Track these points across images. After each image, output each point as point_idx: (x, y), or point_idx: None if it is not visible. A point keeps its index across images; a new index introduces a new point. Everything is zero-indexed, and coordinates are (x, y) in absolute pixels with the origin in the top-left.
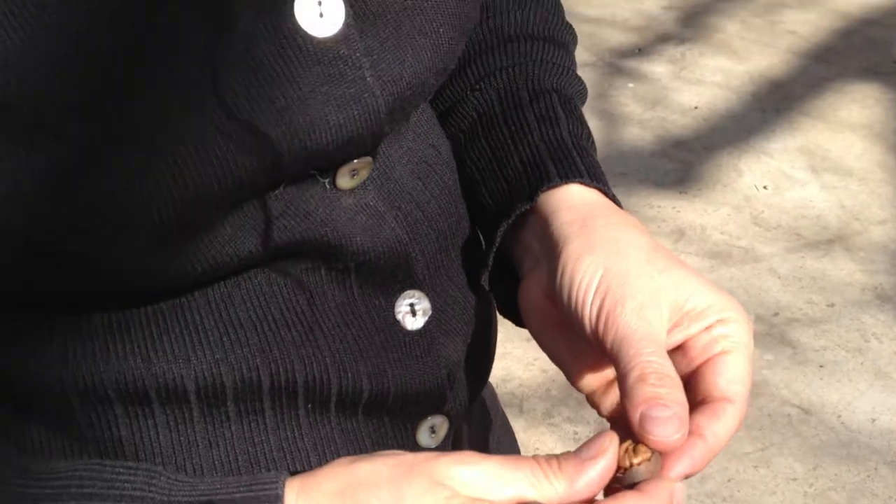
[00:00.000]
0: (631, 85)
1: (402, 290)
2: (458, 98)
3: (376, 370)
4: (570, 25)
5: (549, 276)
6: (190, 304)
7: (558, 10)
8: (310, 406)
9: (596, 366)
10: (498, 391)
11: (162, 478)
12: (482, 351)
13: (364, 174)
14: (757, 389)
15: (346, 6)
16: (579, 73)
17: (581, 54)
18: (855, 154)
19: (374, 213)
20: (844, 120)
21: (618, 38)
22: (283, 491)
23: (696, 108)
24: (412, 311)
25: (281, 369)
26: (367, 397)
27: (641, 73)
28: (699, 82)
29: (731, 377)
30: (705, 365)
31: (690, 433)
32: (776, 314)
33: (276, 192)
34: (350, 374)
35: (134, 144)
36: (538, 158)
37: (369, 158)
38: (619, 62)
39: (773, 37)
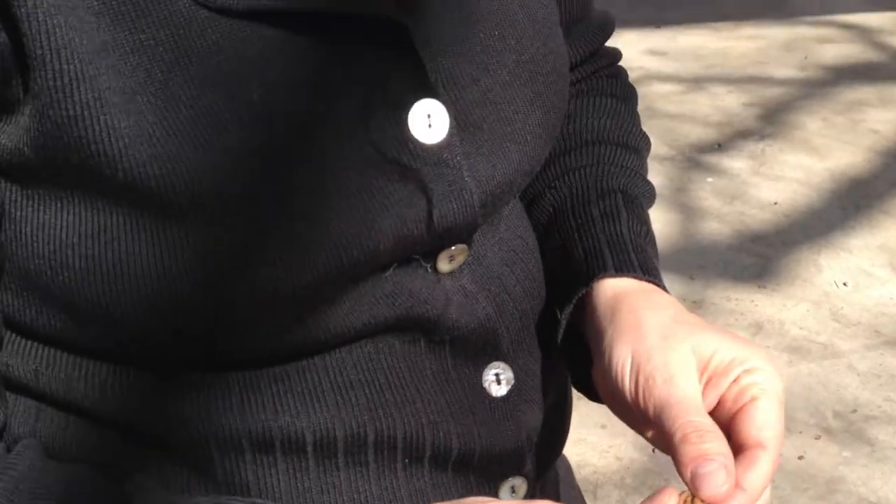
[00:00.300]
0: (710, 179)
1: (489, 361)
2: (539, 193)
3: (464, 431)
4: (644, 134)
5: (596, 361)
6: (310, 367)
7: (634, 119)
8: (407, 460)
9: (643, 427)
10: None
11: None
12: (558, 419)
13: (460, 259)
14: (834, 486)
15: (450, 118)
16: (658, 166)
17: (660, 149)
18: None
19: (468, 294)
20: None
21: (697, 133)
22: None
23: (775, 203)
24: (497, 380)
25: (384, 426)
26: (456, 455)
27: (721, 169)
28: (779, 178)
29: (761, 423)
30: (738, 414)
31: (736, 490)
32: (854, 411)
33: (387, 273)
34: (442, 434)
35: (286, 230)
36: (598, 250)
37: (465, 246)
38: (699, 157)
39: (854, 135)
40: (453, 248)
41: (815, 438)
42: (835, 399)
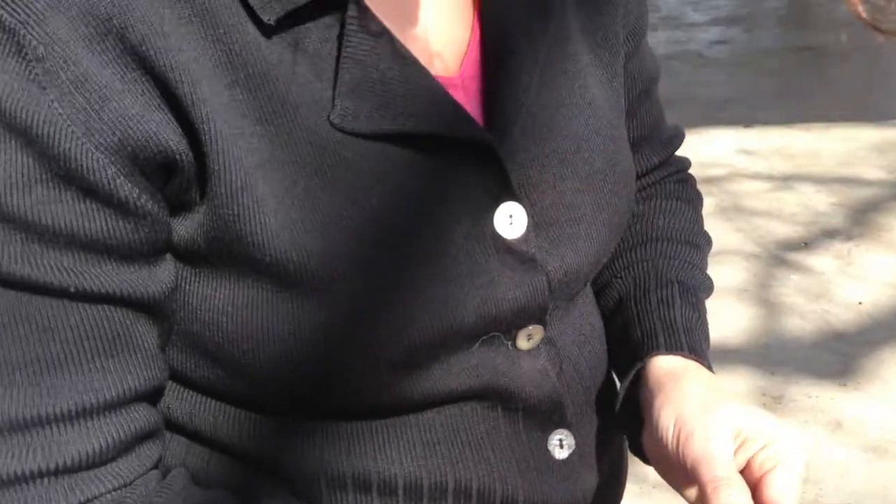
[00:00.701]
0: (794, 277)
1: (555, 428)
2: (608, 282)
3: (529, 486)
4: (706, 232)
5: (651, 421)
6: (404, 423)
7: (697, 219)
8: None
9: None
10: None
11: None
12: (613, 480)
13: (537, 339)
14: None
15: (528, 218)
16: (744, 262)
17: (746, 245)
18: None
19: (542, 370)
20: None
21: (784, 231)
22: None
23: (860, 303)
24: (560, 445)
25: (462, 478)
26: None
27: (806, 267)
28: (864, 279)
29: (779, 489)
30: (762, 479)
31: None
32: None
33: (473, 348)
34: (510, 487)
35: (392, 308)
36: (653, 332)
37: (541, 326)
38: (784, 255)
39: None
40: (530, 327)
41: None
42: None
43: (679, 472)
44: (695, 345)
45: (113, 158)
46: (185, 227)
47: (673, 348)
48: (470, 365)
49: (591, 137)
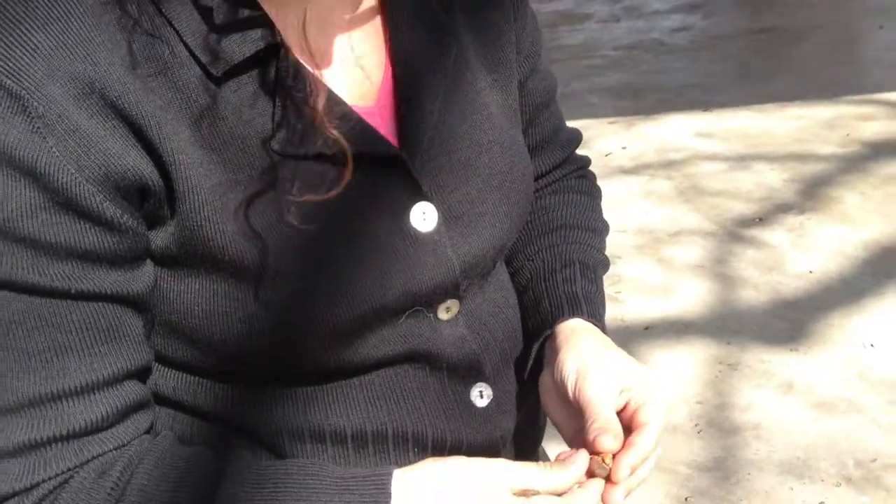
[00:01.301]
0: (750, 252)
1: (475, 382)
2: (521, 265)
3: (456, 430)
4: (604, 219)
5: (556, 370)
6: (350, 384)
7: (595, 208)
8: (416, 449)
9: (574, 422)
10: None
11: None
12: (530, 425)
13: (454, 311)
14: None
15: (438, 214)
16: (701, 241)
17: (704, 224)
18: None
19: (461, 336)
20: None
21: (740, 208)
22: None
23: (811, 272)
24: (480, 395)
25: (399, 426)
26: (450, 446)
27: (761, 241)
28: (816, 249)
29: (646, 414)
30: (635, 412)
31: (627, 445)
32: (874, 460)
33: (401, 320)
34: (439, 432)
35: (329, 289)
36: (559, 304)
37: (457, 300)
38: (740, 231)
39: (890, 206)
40: (448, 302)
41: (836, 486)
42: (857, 449)
43: (568, 412)
44: (593, 311)
45: (100, 188)
46: (161, 238)
47: (575, 313)
48: (399, 334)
49: (491, 146)
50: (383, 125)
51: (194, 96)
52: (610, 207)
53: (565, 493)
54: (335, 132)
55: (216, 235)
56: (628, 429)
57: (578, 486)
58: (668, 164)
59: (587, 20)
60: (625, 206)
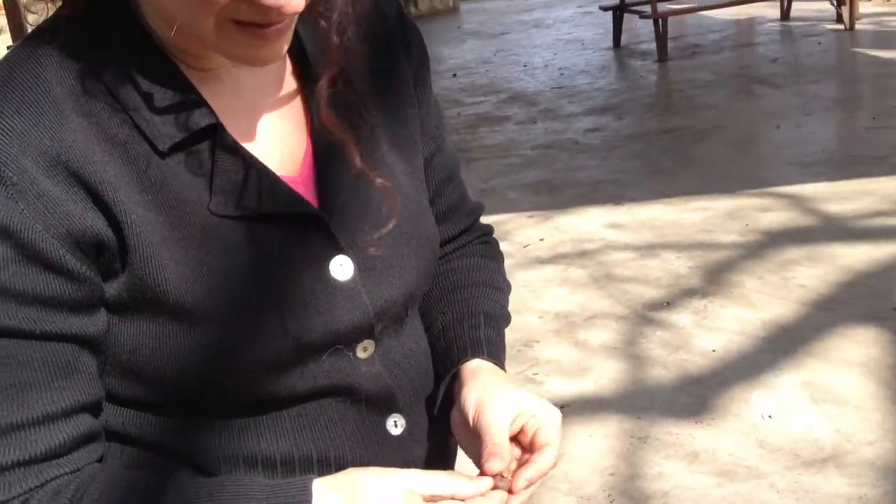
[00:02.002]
0: (659, 333)
1: (390, 413)
2: (435, 317)
3: (373, 455)
4: (506, 279)
5: (460, 402)
6: (279, 415)
7: (498, 269)
8: (335, 470)
9: (477, 448)
10: None
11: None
12: (442, 452)
13: (371, 350)
14: None
15: (354, 266)
16: (613, 324)
17: (616, 308)
18: (851, 387)
19: (377, 373)
20: (844, 358)
21: (649, 293)
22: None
23: (714, 351)
24: (395, 425)
25: (322, 452)
26: None
27: (668, 323)
28: (718, 330)
29: (544, 437)
30: (534, 435)
31: (527, 462)
32: None
33: (324, 357)
34: (358, 456)
35: (256, 329)
36: (465, 348)
37: (373, 341)
38: (649, 314)
39: (786, 290)
40: (364, 341)
41: None
42: None
43: (472, 440)
44: (494, 353)
45: (62, 243)
46: (114, 287)
47: (477, 355)
48: (323, 370)
49: (402, 211)
50: (306, 191)
51: (143, 167)
52: (528, 294)
53: (470, 500)
54: (264, 197)
55: (161, 282)
56: (529, 449)
57: (483, 497)
58: (583, 254)
59: (506, 122)
60: (542, 293)
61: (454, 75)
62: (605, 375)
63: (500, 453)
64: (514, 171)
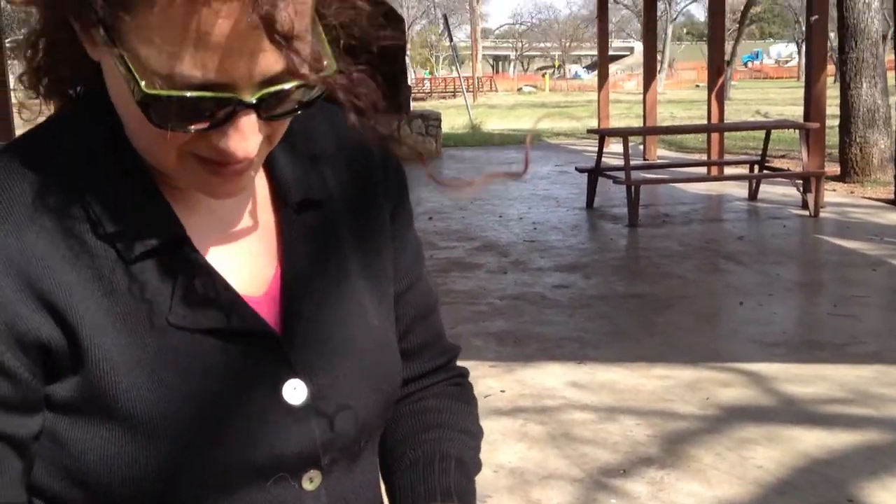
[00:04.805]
0: (613, 501)
1: None
2: (404, 452)
3: None
4: (479, 424)
5: None
6: None
7: (470, 412)
8: None
9: None
10: None
11: None
12: None
13: (317, 482)
14: None
15: (308, 391)
16: (568, 486)
17: (572, 470)
18: None
19: None
20: None
21: (606, 458)
22: None
23: None
24: None
25: None
26: None
27: (624, 491)
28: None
29: None
30: None
31: None
32: None
33: (268, 485)
34: None
35: (204, 449)
36: (433, 491)
37: (319, 472)
38: (605, 480)
39: (743, 470)
40: (310, 472)
41: None
42: None
43: None
44: (463, 499)
45: (4, 339)
46: (64, 388)
47: (446, 499)
48: (267, 499)
49: (364, 341)
50: (269, 312)
51: (107, 273)
52: (485, 446)
53: None
54: (223, 313)
55: (112, 386)
56: None
57: None
58: (543, 410)
59: (477, 269)
60: (499, 446)
61: (430, 218)
62: None
63: None
64: (482, 319)
